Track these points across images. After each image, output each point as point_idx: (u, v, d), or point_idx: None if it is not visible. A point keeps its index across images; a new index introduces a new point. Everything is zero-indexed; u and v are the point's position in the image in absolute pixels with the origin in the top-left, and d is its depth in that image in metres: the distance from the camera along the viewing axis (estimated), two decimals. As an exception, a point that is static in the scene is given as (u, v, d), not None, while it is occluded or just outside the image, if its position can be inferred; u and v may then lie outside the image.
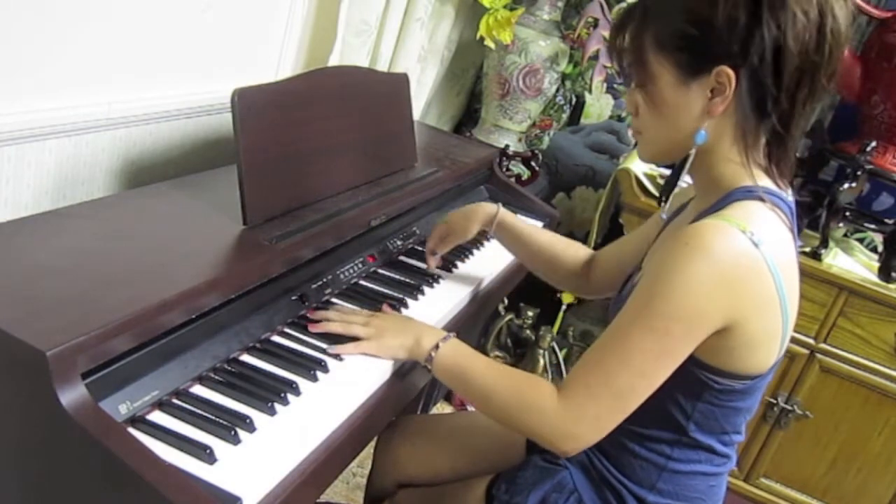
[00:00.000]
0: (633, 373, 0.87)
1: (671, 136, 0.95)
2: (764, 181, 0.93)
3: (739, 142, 0.92)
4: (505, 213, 1.31)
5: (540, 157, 2.22)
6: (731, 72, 0.88)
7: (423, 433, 1.28)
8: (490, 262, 1.47)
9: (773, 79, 0.87)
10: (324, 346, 1.01)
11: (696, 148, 0.93)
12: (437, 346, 1.00)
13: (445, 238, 1.31)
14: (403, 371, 1.07)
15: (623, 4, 2.13)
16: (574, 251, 1.31)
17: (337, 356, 1.00)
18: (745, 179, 0.93)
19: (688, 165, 0.96)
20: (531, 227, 1.33)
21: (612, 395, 0.88)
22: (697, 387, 0.93)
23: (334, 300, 1.14)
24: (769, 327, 0.90)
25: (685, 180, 1.04)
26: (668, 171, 2.07)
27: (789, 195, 0.97)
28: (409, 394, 1.11)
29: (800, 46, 0.86)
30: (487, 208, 1.31)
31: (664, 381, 0.89)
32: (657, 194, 2.04)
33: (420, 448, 1.26)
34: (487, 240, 1.53)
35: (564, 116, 2.55)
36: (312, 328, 1.03)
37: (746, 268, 0.85)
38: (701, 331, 0.87)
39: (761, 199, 0.90)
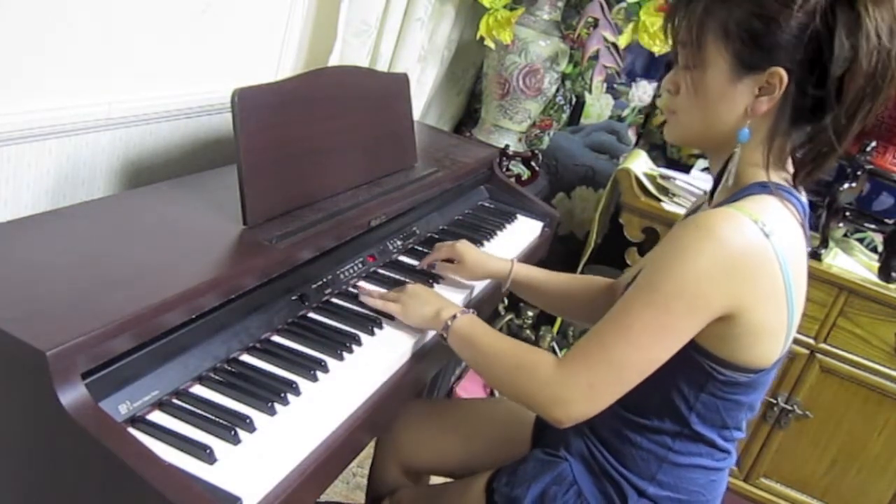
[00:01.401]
0: (629, 344, 0.88)
1: (707, 126, 0.95)
2: (778, 179, 0.94)
3: (766, 144, 0.93)
4: (518, 271, 1.30)
5: (540, 157, 2.22)
6: (784, 75, 0.88)
7: (426, 417, 1.29)
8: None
9: (836, 95, 0.87)
10: (321, 351, 1.01)
11: (739, 146, 0.93)
12: (454, 317, 1.04)
13: (451, 267, 1.29)
14: (403, 371, 1.07)
15: (623, 4, 2.13)
16: (591, 286, 1.31)
17: (338, 356, 1.01)
18: (761, 177, 0.94)
19: (731, 166, 0.95)
20: (545, 276, 1.32)
21: (607, 365, 0.89)
22: (701, 377, 0.93)
23: (334, 300, 1.14)
24: (774, 318, 0.91)
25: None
26: (668, 172, 2.08)
27: (803, 195, 0.98)
28: (409, 393, 1.11)
29: (870, 69, 0.86)
30: (502, 266, 1.30)
31: (664, 362, 0.89)
32: (657, 194, 2.04)
33: (423, 432, 1.26)
34: (481, 246, 1.53)
35: (564, 116, 2.55)
36: (362, 293, 1.14)
37: (754, 256, 0.86)
38: (702, 312, 0.87)
39: (774, 195, 0.91)
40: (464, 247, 1.29)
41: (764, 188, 0.92)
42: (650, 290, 0.88)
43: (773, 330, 0.91)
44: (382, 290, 1.16)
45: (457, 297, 1.27)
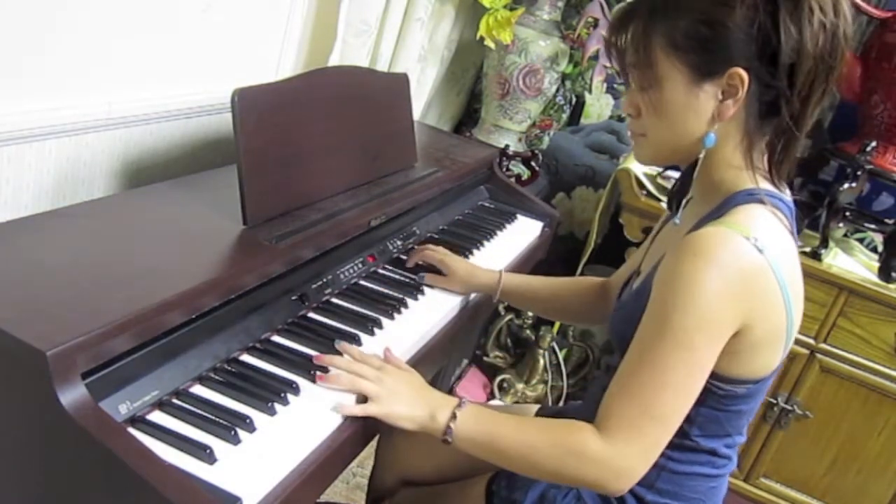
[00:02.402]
0: (670, 394, 0.85)
1: (677, 140, 0.94)
2: (764, 183, 0.93)
3: (742, 144, 0.92)
4: (507, 282, 1.29)
5: (540, 157, 2.22)
6: (744, 74, 0.87)
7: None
8: (489, 262, 1.47)
9: (788, 81, 0.87)
10: (322, 351, 1.01)
11: (704, 151, 0.92)
12: (454, 417, 0.92)
13: (441, 279, 1.27)
14: (403, 371, 1.07)
15: (622, 4, 2.13)
16: (582, 288, 1.30)
17: (338, 355, 1.00)
18: (746, 182, 0.92)
19: (697, 170, 0.94)
20: (534, 282, 1.31)
21: (656, 423, 0.86)
22: (701, 393, 0.92)
23: (334, 300, 1.14)
24: (774, 331, 0.90)
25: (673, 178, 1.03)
26: (668, 172, 2.08)
27: (788, 195, 0.97)
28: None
29: (817, 50, 0.85)
30: (490, 278, 1.29)
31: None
32: (657, 194, 2.04)
33: (422, 445, 1.26)
34: (482, 245, 1.53)
35: (564, 116, 2.55)
36: (319, 380, 0.93)
37: (752, 274, 0.85)
38: (722, 339, 0.86)
39: (762, 202, 0.90)
40: (452, 261, 1.28)
41: (750, 196, 0.91)
42: (671, 330, 0.84)
43: (772, 342, 0.91)
44: (346, 363, 0.96)
45: (453, 303, 1.27)
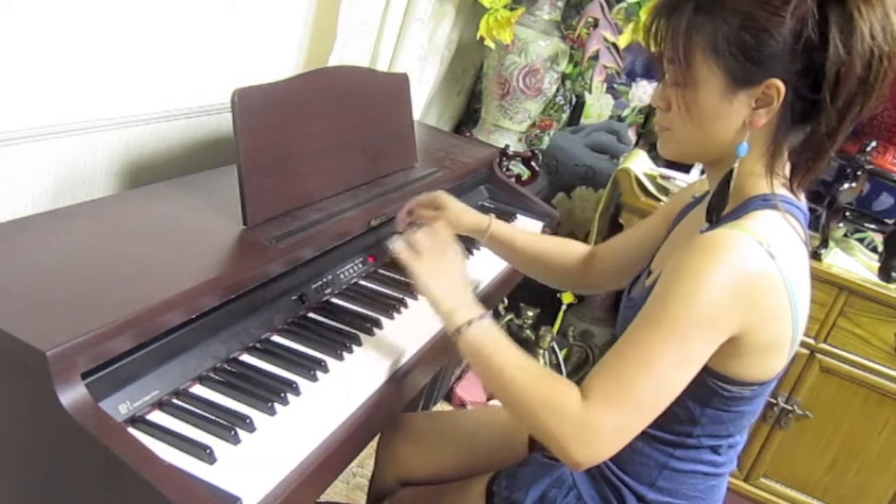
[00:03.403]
0: (655, 382, 0.84)
1: (704, 142, 0.92)
2: (781, 190, 0.92)
3: (767, 153, 0.91)
4: (496, 228, 1.28)
5: (540, 157, 2.22)
6: (782, 85, 0.85)
7: (425, 432, 1.29)
8: (489, 262, 1.47)
9: (829, 97, 0.85)
10: (321, 351, 1.01)
11: (737, 161, 0.91)
12: (469, 323, 0.94)
13: (433, 214, 1.25)
14: (403, 371, 1.07)
15: (623, 4, 2.13)
16: (569, 250, 1.30)
17: (338, 356, 1.01)
18: (763, 188, 0.92)
19: (733, 181, 0.92)
20: (523, 235, 1.30)
21: (634, 406, 0.85)
22: (706, 394, 0.92)
23: (334, 300, 1.14)
24: (779, 337, 0.90)
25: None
26: (669, 172, 2.08)
27: (803, 202, 0.96)
28: (409, 393, 1.11)
29: (863, 70, 0.84)
30: (480, 220, 1.28)
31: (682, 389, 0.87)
32: (657, 194, 2.04)
33: (422, 447, 1.26)
34: (478, 248, 1.53)
35: (564, 116, 2.55)
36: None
37: (762, 279, 0.85)
38: (719, 337, 0.86)
39: (776, 208, 0.90)
40: (444, 196, 1.27)
41: (766, 202, 0.90)
42: (668, 320, 0.84)
43: (777, 346, 0.91)
44: (420, 237, 1.04)
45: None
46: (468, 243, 1.48)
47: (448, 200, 1.26)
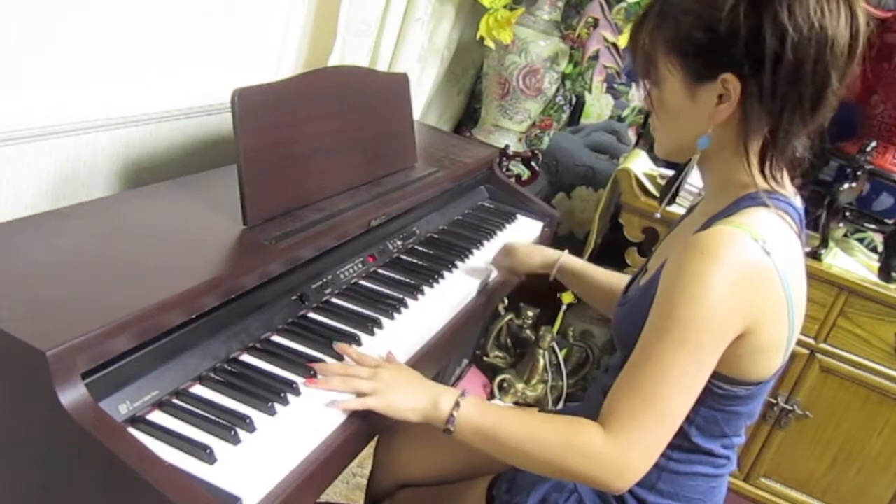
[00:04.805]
0: (674, 392, 0.85)
1: (678, 137, 0.96)
2: (766, 186, 0.92)
3: (742, 149, 0.92)
4: (564, 262, 1.34)
5: (540, 157, 2.22)
6: (736, 80, 0.87)
7: (424, 434, 1.28)
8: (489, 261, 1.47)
9: (772, 88, 0.86)
10: (322, 351, 1.01)
11: (698, 153, 0.94)
12: (457, 406, 0.91)
13: (503, 259, 1.38)
14: (403, 371, 1.07)
15: (623, 4, 2.13)
16: None
17: (338, 356, 1.00)
18: (751, 186, 0.93)
19: (687, 170, 0.96)
20: (591, 269, 1.34)
21: (659, 419, 0.85)
22: (701, 392, 0.92)
23: (334, 300, 1.14)
24: (777, 335, 0.90)
25: (694, 184, 1.04)
26: (668, 172, 2.08)
27: (798, 200, 0.97)
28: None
29: (799, 58, 0.85)
30: (551, 254, 1.36)
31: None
32: (657, 194, 2.04)
33: (421, 448, 1.25)
34: (482, 245, 1.53)
35: (564, 116, 2.55)
36: (309, 383, 0.93)
37: (759, 275, 0.85)
38: (726, 339, 0.86)
39: (765, 206, 0.90)
40: (511, 243, 1.38)
41: (754, 199, 0.91)
42: (677, 328, 0.84)
43: (774, 345, 0.91)
44: (340, 367, 0.97)
45: (454, 303, 1.27)
46: (468, 244, 1.48)
47: (515, 246, 1.39)
